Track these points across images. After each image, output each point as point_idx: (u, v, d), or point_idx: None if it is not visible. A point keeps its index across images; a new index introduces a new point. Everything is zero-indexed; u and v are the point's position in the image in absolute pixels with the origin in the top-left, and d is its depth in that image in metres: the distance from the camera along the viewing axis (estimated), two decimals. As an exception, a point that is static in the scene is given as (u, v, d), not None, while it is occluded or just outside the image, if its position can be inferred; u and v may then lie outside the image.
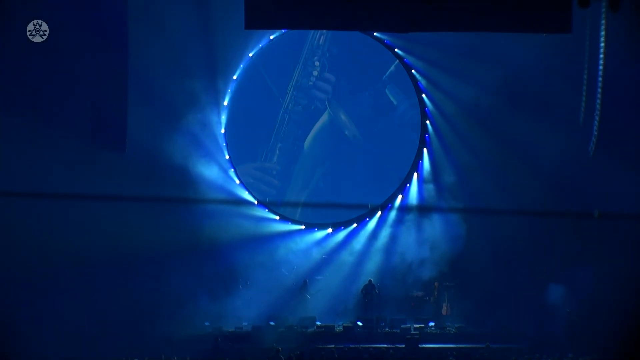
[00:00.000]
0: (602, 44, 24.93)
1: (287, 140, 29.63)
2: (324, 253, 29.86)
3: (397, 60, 30.00)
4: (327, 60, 29.29)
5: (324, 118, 29.98)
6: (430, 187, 29.88)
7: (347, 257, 29.77)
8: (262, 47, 29.63)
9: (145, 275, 27.20)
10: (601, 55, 25.27)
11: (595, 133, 26.73)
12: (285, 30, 28.77)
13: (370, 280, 28.66)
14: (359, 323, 27.36)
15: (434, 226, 29.47)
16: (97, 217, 27.07)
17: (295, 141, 29.63)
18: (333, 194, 30.16)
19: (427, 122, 30.01)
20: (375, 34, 29.49)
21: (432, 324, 27.51)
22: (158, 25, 27.73)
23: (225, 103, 29.44)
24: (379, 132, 30.11)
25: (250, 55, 29.59)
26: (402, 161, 30.27)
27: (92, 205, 26.97)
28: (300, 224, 30.02)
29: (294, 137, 29.86)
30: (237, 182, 29.55)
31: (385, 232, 29.92)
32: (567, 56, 27.25)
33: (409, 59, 29.87)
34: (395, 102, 30.16)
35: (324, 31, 28.35)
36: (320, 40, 28.73)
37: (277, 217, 29.86)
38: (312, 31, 29.04)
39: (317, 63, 28.53)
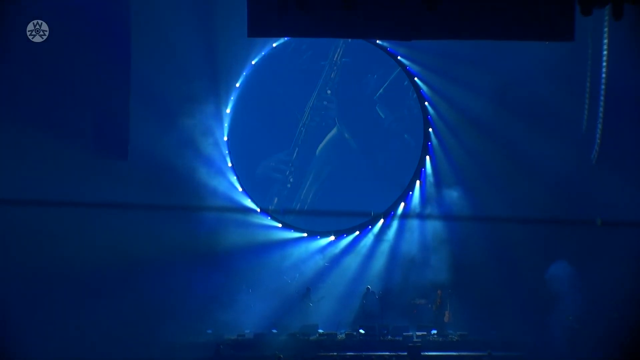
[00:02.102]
0: (605, 52, 25.02)
1: (303, 146, 30.10)
2: (326, 261, 29.89)
3: (399, 69, 30.14)
4: (336, 89, 30.01)
5: (333, 132, 30.23)
6: (432, 194, 29.91)
7: (349, 265, 29.79)
8: (264, 55, 29.75)
9: (147, 283, 27.18)
10: (604, 63, 25.37)
11: (598, 141, 26.84)
12: (288, 38, 28.89)
13: (368, 288, 28.71)
14: (361, 331, 27.36)
15: (436, 233, 29.48)
16: (99, 225, 27.07)
17: (310, 147, 30.31)
18: (336, 202, 30.19)
19: (430, 129, 30.08)
20: (378, 41, 29.57)
21: (434, 331, 27.49)
22: (160, 32, 27.77)
23: (228, 110, 29.49)
24: (377, 143, 30.26)
25: (253, 62, 29.68)
26: (405, 169, 30.35)
27: (94, 213, 26.98)
28: (303, 231, 30.05)
29: (309, 144, 30.20)
30: (240, 189, 29.58)
31: (387, 240, 29.93)
32: (570, 64, 27.34)
33: (411, 66, 29.96)
34: (383, 116, 30.22)
35: (337, 67, 30.13)
36: (332, 75, 29.94)
37: (280, 225, 29.89)
38: (328, 66, 30.28)
39: (329, 91, 30.07)
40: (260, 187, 30.32)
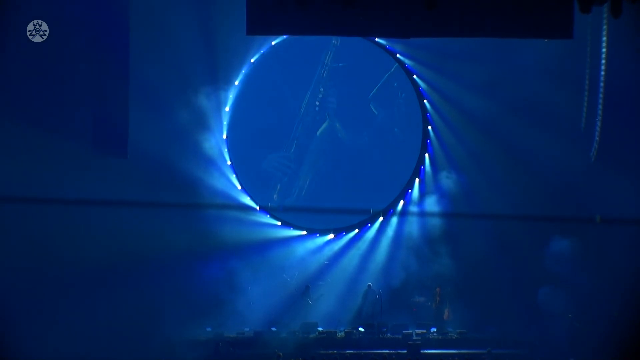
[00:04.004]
0: (604, 50, 25.01)
1: (301, 138, 30.36)
2: (326, 259, 29.88)
3: (396, 65, 30.17)
4: (329, 87, 30.37)
5: (325, 125, 30.33)
6: (431, 192, 29.90)
7: (348, 263, 29.77)
8: (263, 53, 29.75)
9: (147, 281, 27.18)
10: (602, 61, 25.36)
11: (597, 138, 26.83)
12: (287, 36, 28.89)
13: (369, 285, 28.70)
14: (361, 329, 27.36)
15: (435, 231, 29.48)
16: (98, 223, 27.05)
17: (307, 141, 30.54)
18: (335, 200, 30.18)
19: (429, 127, 30.08)
20: (376, 39, 29.57)
21: (434, 329, 27.49)
22: (159, 30, 27.77)
23: (227, 109, 29.48)
24: (376, 140, 30.34)
25: (252, 61, 29.67)
26: (404, 167, 30.38)
27: (94, 211, 26.97)
28: (302, 229, 30.04)
29: (306, 137, 30.41)
30: (239, 187, 29.58)
31: (386, 237, 29.92)
32: (569, 62, 27.32)
33: (410, 64, 29.96)
34: (376, 113, 30.21)
35: (328, 67, 30.39)
36: (324, 74, 30.28)
37: (279, 223, 29.88)
38: (319, 67, 30.34)
39: (321, 89, 30.29)
40: (259, 184, 30.32)
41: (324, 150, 30.63)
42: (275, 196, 30.42)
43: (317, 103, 30.34)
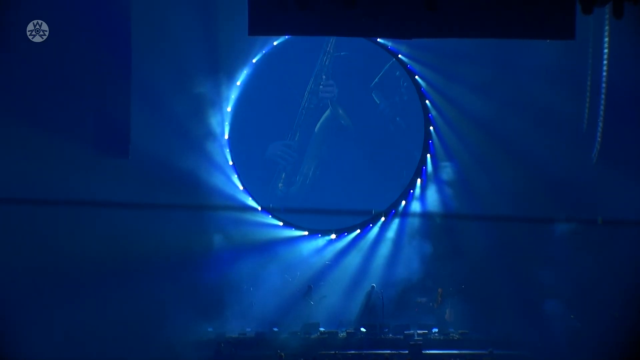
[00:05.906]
0: (606, 50, 25.05)
1: (304, 126, 30.45)
2: (328, 259, 29.88)
3: (393, 60, 30.20)
4: (331, 75, 30.38)
5: (327, 112, 30.51)
6: (433, 193, 29.90)
7: (350, 263, 29.78)
8: (265, 53, 29.77)
9: (148, 281, 27.17)
10: (604, 62, 25.40)
11: (599, 139, 26.85)
12: (289, 36, 28.90)
13: (373, 286, 28.70)
14: (363, 329, 27.36)
15: (438, 232, 29.48)
16: (100, 224, 27.06)
17: (310, 127, 30.64)
18: (336, 201, 30.19)
19: (431, 128, 30.06)
20: (378, 39, 29.57)
21: (435, 330, 27.50)
22: (161, 30, 27.80)
23: (229, 109, 29.50)
24: (377, 129, 30.34)
25: (254, 61, 29.68)
26: (406, 167, 30.38)
27: (95, 212, 26.98)
28: (304, 230, 30.05)
29: (309, 125, 30.52)
30: (241, 187, 29.58)
31: (388, 238, 29.92)
32: (570, 62, 27.34)
33: (412, 64, 29.96)
34: (378, 102, 30.27)
35: (330, 55, 30.41)
36: (326, 62, 30.26)
37: (281, 223, 29.88)
38: (322, 55, 30.41)
39: (324, 76, 30.34)
40: (263, 176, 30.36)
41: (326, 137, 30.67)
42: (280, 185, 30.47)
43: (321, 88, 30.36)
